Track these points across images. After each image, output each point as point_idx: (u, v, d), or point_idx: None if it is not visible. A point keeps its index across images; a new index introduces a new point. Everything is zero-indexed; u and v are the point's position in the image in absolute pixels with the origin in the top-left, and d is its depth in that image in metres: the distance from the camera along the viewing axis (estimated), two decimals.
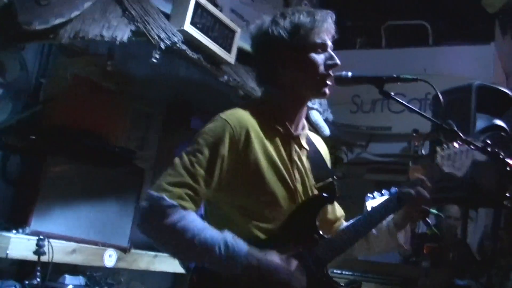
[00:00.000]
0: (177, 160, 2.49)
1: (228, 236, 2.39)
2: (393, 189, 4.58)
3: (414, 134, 7.51)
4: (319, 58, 2.63)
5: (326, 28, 2.65)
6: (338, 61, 2.66)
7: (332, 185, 2.79)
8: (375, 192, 4.75)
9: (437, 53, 8.51)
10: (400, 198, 2.68)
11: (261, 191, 2.55)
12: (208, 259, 2.38)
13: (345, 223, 2.97)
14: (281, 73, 2.66)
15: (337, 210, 2.99)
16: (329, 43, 2.68)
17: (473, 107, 4.93)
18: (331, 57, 2.66)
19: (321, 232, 2.64)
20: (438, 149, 2.78)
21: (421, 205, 2.71)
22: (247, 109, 2.62)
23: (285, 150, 2.65)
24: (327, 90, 2.67)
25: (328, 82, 2.65)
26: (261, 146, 2.56)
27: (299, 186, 2.67)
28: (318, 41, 2.63)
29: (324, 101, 6.58)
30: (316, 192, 2.75)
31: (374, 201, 4.69)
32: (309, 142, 2.85)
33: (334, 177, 2.84)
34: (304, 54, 2.62)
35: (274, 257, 2.43)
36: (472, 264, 6.39)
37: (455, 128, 2.82)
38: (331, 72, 2.65)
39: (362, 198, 5.15)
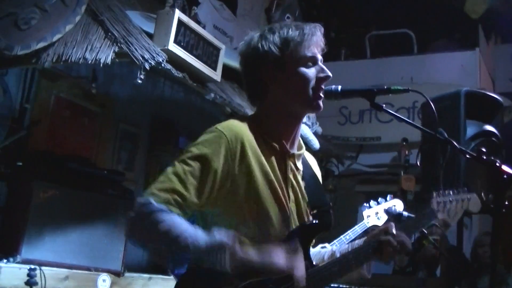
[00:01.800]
0: (169, 167, 2.43)
1: (215, 233, 2.28)
2: (390, 196, 4.57)
3: (404, 143, 7.50)
4: (310, 71, 2.59)
5: (316, 41, 2.62)
6: (329, 74, 2.62)
7: (328, 214, 2.73)
8: (371, 201, 4.74)
9: (423, 61, 8.54)
10: (375, 250, 2.65)
11: (255, 207, 2.49)
12: (195, 254, 2.28)
13: (319, 252, 2.93)
14: (273, 89, 2.62)
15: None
16: (319, 56, 2.64)
17: (462, 114, 4.92)
18: (322, 70, 2.61)
19: (312, 259, 2.60)
20: (434, 194, 2.80)
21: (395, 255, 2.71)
22: (244, 122, 2.58)
23: (280, 168, 2.60)
24: (320, 104, 2.62)
25: (321, 95, 2.60)
26: (257, 160, 2.51)
27: (292, 206, 2.61)
28: (309, 54, 2.59)
29: (312, 114, 6.56)
30: (311, 217, 2.68)
31: (370, 210, 4.69)
32: (305, 164, 2.80)
33: (331, 205, 2.79)
34: (295, 68, 2.58)
35: (267, 245, 2.36)
36: (468, 271, 6.36)
37: (447, 136, 2.81)
38: (323, 86, 2.61)
39: (354, 210, 5.10)
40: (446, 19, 9.10)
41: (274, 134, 2.62)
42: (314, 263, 2.61)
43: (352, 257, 2.62)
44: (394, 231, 2.65)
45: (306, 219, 2.67)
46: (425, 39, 9.20)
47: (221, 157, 2.42)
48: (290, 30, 2.61)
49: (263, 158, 2.53)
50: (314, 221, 2.67)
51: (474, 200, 2.95)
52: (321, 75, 2.60)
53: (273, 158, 2.58)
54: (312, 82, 2.58)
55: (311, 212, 2.68)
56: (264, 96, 2.65)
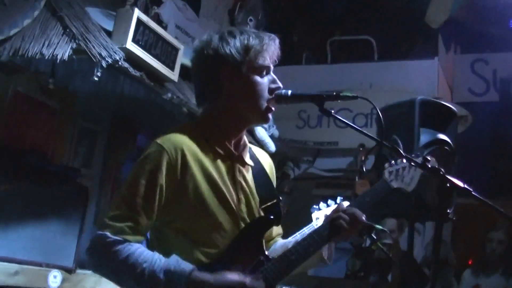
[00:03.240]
0: (117, 194, 2.55)
1: (172, 261, 2.41)
2: (340, 199, 4.60)
3: (361, 149, 7.57)
4: (264, 81, 2.66)
5: (272, 52, 2.69)
6: (280, 85, 2.69)
7: (277, 206, 2.79)
8: (321, 203, 4.77)
9: (383, 68, 8.60)
10: (331, 232, 2.68)
11: (203, 215, 2.54)
12: (152, 282, 2.38)
13: (283, 241, 2.96)
14: (227, 91, 2.66)
15: (274, 229, 2.96)
16: (272, 67, 2.70)
17: (416, 122, 4.96)
18: (274, 81, 2.69)
19: (267, 253, 2.64)
20: (386, 165, 2.78)
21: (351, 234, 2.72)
22: (184, 132, 2.62)
23: (227, 171, 2.66)
24: (269, 116, 2.70)
25: (272, 108, 2.67)
26: (200, 168, 2.56)
27: (243, 207, 2.66)
28: (265, 63, 2.66)
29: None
30: (261, 213, 2.74)
31: (319, 212, 4.71)
32: (253, 158, 2.84)
33: (279, 197, 2.84)
34: (251, 75, 2.64)
35: (223, 274, 2.44)
36: (419, 277, 6.44)
37: (399, 143, 2.85)
38: (274, 95, 2.66)
39: (309, 213, 5.14)
40: (407, 27, 9.20)
41: (220, 138, 2.67)
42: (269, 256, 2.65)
43: (308, 242, 2.66)
44: (344, 208, 2.72)
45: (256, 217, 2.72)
46: (386, 46, 9.29)
47: (163, 170, 2.49)
48: (251, 38, 2.66)
49: (207, 164, 2.59)
50: (263, 216, 2.73)
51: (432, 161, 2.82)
52: (273, 85, 2.68)
53: (219, 162, 2.64)
54: (265, 92, 2.64)
55: (261, 207, 2.74)
56: (217, 96, 2.69)
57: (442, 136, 5.02)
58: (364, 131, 2.83)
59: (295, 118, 8.44)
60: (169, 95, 5.32)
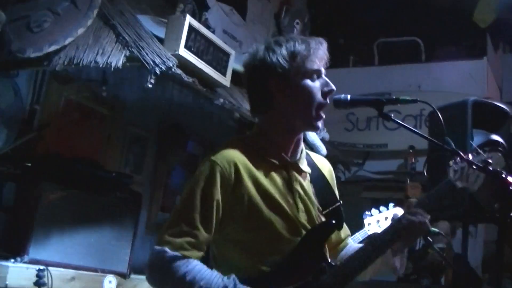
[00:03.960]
0: (174, 210, 2.55)
1: (230, 283, 2.40)
2: (392, 205, 4.55)
3: (411, 151, 7.51)
4: (315, 85, 2.63)
5: (321, 55, 2.66)
6: (333, 87, 2.66)
7: (339, 210, 2.78)
8: (373, 209, 4.76)
9: (430, 69, 8.52)
10: (395, 234, 2.61)
11: (259, 226, 2.54)
12: None
13: (350, 246, 2.95)
14: (279, 101, 2.65)
15: (342, 231, 2.93)
16: (323, 70, 2.68)
17: (469, 123, 4.91)
18: (326, 84, 2.66)
19: (329, 260, 2.63)
20: (450, 163, 2.71)
21: (418, 236, 2.67)
22: (236, 147, 2.62)
23: (283, 181, 2.65)
24: (319, 124, 2.67)
25: (322, 115, 2.65)
26: (253, 181, 2.55)
27: (302, 215, 2.64)
28: (314, 67, 2.63)
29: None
30: (323, 218, 2.72)
31: (371, 218, 4.70)
32: (311, 164, 2.83)
33: (340, 201, 2.82)
34: (301, 81, 2.62)
35: None
36: (473, 280, 6.35)
37: (453, 146, 2.80)
38: (328, 99, 2.65)
39: (359, 216, 5.11)
40: (454, 27, 9.10)
41: (273, 149, 2.67)
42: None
43: (371, 248, 2.61)
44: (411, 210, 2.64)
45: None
46: (433, 47, 9.20)
47: (218, 185, 2.49)
48: (296, 44, 2.65)
49: (261, 176, 2.58)
50: (324, 222, 2.72)
51: (496, 158, 2.68)
52: (326, 89, 2.65)
53: (273, 173, 2.63)
54: (318, 95, 2.62)
55: (322, 213, 2.73)
56: (269, 108, 2.68)
57: (495, 137, 4.96)
58: (424, 135, 2.82)
59: (344, 121, 8.41)
60: (221, 100, 5.34)
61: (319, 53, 2.65)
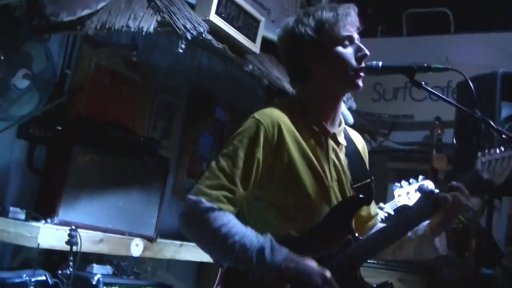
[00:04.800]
0: (213, 163, 2.54)
1: (267, 242, 2.41)
2: (422, 177, 4.55)
3: (437, 122, 7.49)
4: (348, 51, 2.64)
5: (351, 21, 2.66)
6: (367, 52, 2.66)
7: (369, 186, 2.79)
8: (403, 181, 4.77)
9: (459, 40, 8.46)
10: (435, 206, 2.57)
11: (296, 190, 2.57)
12: (244, 265, 2.42)
13: (379, 224, 2.98)
14: (313, 71, 2.68)
15: (372, 208, 2.96)
16: (356, 35, 2.68)
17: (498, 95, 4.90)
18: (360, 49, 2.66)
19: (356, 234, 2.65)
20: (479, 154, 2.73)
21: (459, 212, 2.62)
22: (280, 108, 2.64)
23: (321, 148, 2.67)
24: (360, 83, 2.67)
25: (361, 74, 2.66)
26: (296, 143, 2.58)
27: (334, 184, 2.68)
28: (345, 33, 2.64)
29: None
30: (353, 192, 2.75)
31: (401, 190, 4.72)
32: (347, 138, 2.85)
33: (372, 178, 2.83)
34: (332, 49, 2.63)
35: (312, 263, 2.44)
36: (495, 253, 6.36)
37: (484, 117, 2.81)
38: (363, 64, 2.65)
39: (384, 186, 5.12)
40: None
41: (314, 116, 2.69)
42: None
43: (402, 221, 2.63)
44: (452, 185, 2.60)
45: (348, 196, 2.73)
46: (462, 18, 9.12)
47: (261, 144, 2.51)
48: (324, 12, 2.66)
49: (302, 141, 2.61)
50: (355, 196, 2.74)
51: None
52: (359, 54, 2.65)
53: (312, 140, 2.65)
54: (352, 61, 2.63)
55: (353, 186, 2.75)
56: (307, 78, 2.71)
57: None
58: (455, 103, 2.82)
59: (370, 91, 8.39)
60: (250, 67, 5.34)
61: (348, 19, 2.65)
